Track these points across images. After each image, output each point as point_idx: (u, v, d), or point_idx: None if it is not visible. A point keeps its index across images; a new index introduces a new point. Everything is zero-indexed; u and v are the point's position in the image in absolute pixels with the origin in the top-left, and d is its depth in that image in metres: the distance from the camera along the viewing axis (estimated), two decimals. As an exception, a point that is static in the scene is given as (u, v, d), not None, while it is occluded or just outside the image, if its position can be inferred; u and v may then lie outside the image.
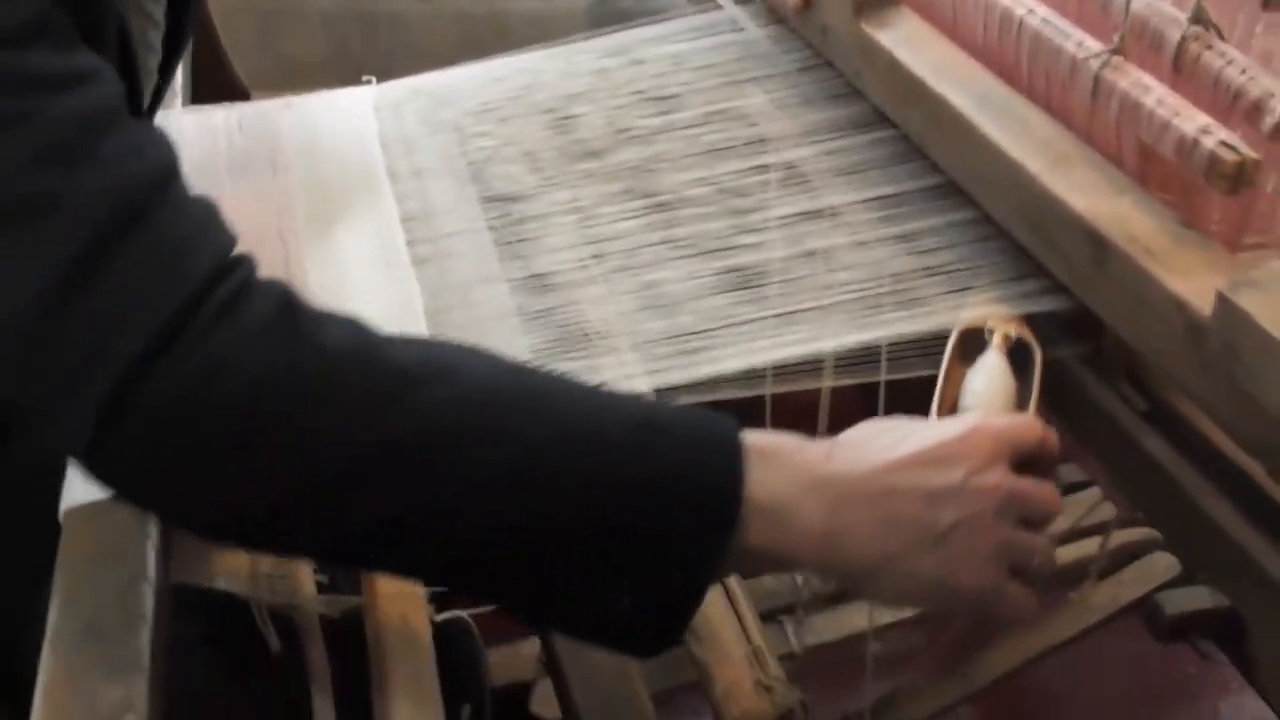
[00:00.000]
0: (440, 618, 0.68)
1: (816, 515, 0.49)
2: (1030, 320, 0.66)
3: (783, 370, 0.66)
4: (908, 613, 1.15)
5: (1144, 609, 1.14)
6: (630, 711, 0.75)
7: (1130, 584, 1.15)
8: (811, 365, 0.66)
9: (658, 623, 0.49)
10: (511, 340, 0.67)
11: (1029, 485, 0.52)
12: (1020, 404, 0.62)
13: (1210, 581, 0.77)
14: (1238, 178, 0.53)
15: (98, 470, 0.49)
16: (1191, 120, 0.54)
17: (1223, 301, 0.51)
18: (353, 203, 0.80)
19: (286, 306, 0.48)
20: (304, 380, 0.46)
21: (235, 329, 0.46)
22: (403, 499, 0.47)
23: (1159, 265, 0.56)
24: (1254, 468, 0.59)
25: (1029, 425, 0.55)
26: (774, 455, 0.50)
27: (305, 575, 0.66)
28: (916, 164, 0.77)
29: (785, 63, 0.87)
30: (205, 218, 0.50)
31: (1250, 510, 0.59)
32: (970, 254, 0.70)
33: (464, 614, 0.67)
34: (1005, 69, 0.70)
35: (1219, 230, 0.59)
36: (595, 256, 0.73)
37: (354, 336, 0.49)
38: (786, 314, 0.67)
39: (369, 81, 0.91)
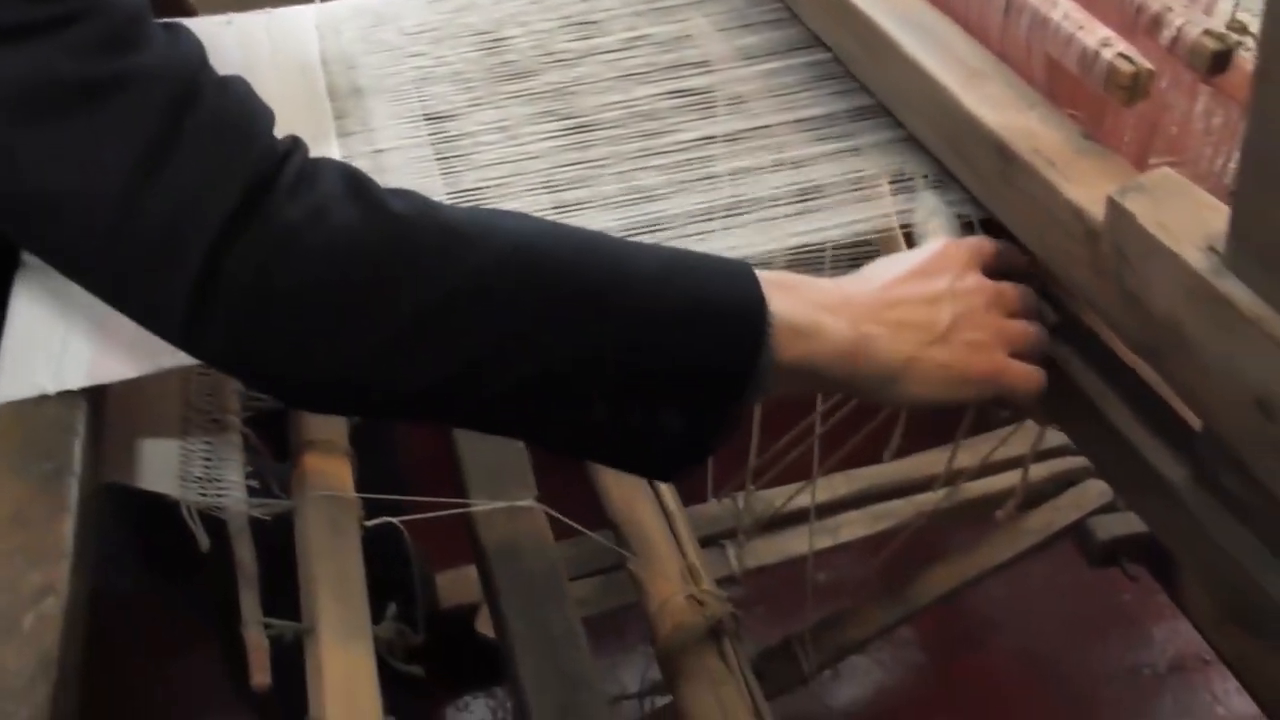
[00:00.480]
0: (370, 523, 0.70)
1: (841, 331, 0.55)
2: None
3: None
4: (846, 537, 1.19)
5: (1076, 533, 1.18)
6: (563, 634, 0.77)
7: (1064, 509, 1.19)
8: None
9: (703, 438, 0.54)
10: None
11: (1005, 285, 0.61)
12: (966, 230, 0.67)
13: (1114, 488, 0.78)
14: (1133, 89, 0.54)
15: (194, 345, 0.51)
16: (1094, 34, 0.56)
17: (1112, 205, 0.53)
18: (293, 119, 0.80)
19: (352, 177, 0.51)
20: (379, 241, 0.50)
21: (312, 198, 0.49)
22: (474, 341, 0.51)
23: (1060, 175, 0.58)
24: (1152, 375, 0.61)
25: (985, 240, 0.63)
26: (791, 284, 0.56)
27: (236, 479, 0.67)
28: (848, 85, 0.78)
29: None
30: (249, 94, 0.53)
31: (1148, 417, 0.61)
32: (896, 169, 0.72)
33: (395, 520, 0.69)
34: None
35: (1127, 147, 0.60)
36: (524, 174, 0.74)
37: (413, 201, 0.52)
38: (726, 217, 0.69)
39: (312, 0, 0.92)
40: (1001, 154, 0.61)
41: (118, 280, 0.50)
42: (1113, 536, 1.15)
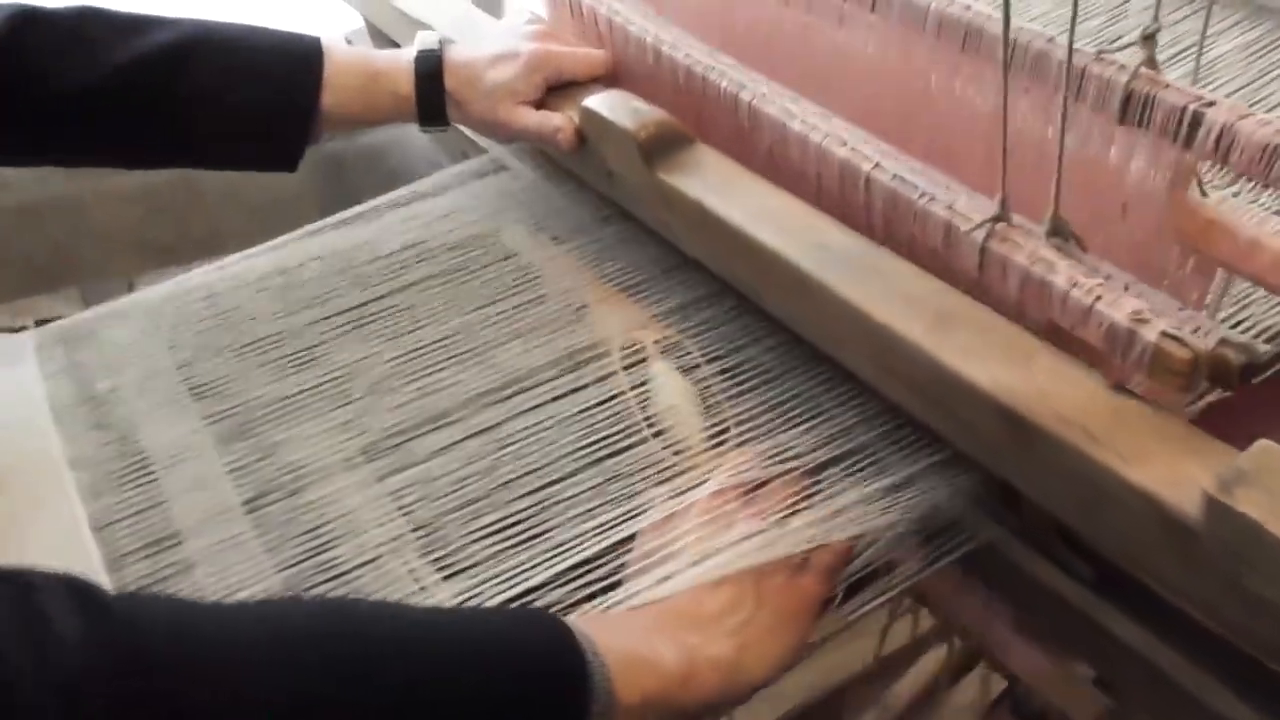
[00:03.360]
0: None
1: (670, 653, 0.50)
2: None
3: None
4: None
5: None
6: None
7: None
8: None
9: None
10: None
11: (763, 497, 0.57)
12: (703, 398, 0.62)
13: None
14: (1191, 375, 0.43)
15: None
16: (1118, 306, 0.45)
17: (1215, 506, 0.41)
18: (20, 520, 0.60)
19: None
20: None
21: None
22: None
23: (1108, 451, 0.45)
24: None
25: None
26: (610, 621, 0.52)
27: None
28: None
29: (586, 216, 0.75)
30: None
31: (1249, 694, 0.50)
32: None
33: None
34: (845, 211, 0.59)
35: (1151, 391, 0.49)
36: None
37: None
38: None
39: (23, 328, 0.71)
40: (1009, 420, 0.49)
41: None
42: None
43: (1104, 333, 0.45)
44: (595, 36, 0.76)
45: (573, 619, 0.50)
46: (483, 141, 0.82)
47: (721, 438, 0.60)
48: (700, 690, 0.51)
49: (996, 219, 0.49)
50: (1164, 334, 0.43)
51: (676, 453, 0.59)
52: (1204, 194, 0.46)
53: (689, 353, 0.64)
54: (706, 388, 0.62)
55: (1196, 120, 0.47)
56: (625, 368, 0.64)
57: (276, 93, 0.71)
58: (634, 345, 0.65)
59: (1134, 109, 0.49)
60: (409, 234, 0.76)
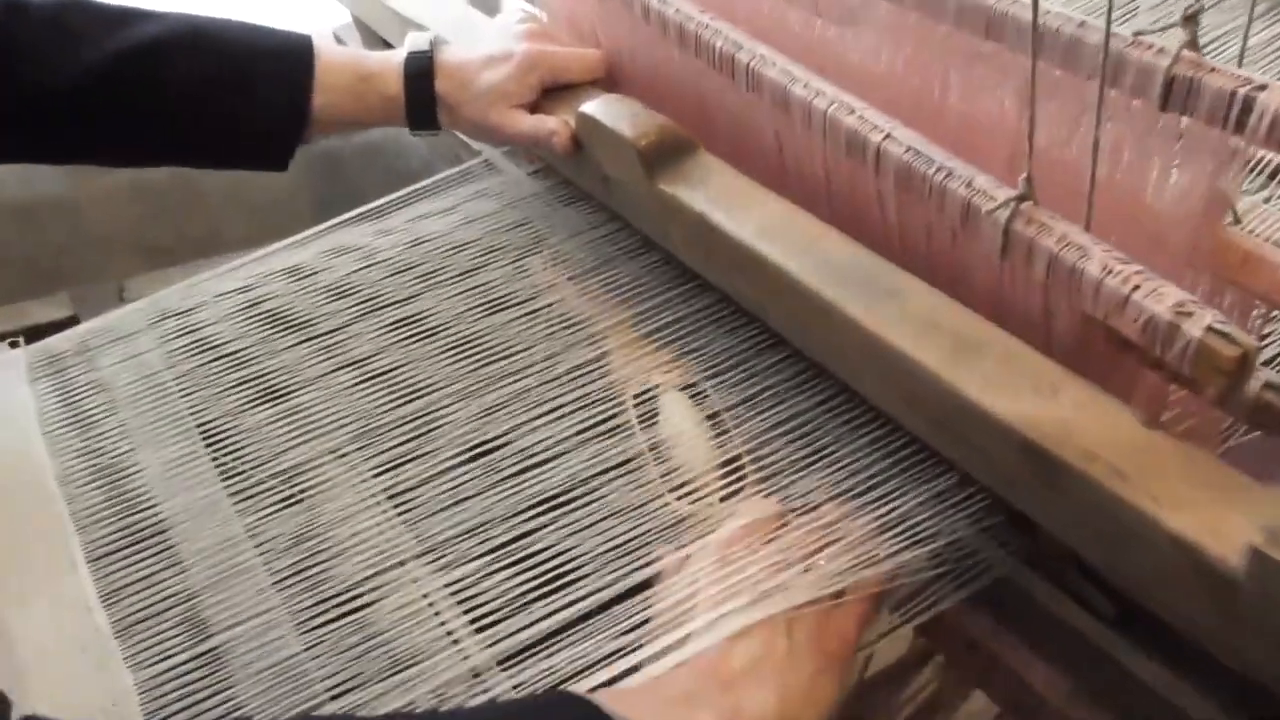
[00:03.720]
0: None
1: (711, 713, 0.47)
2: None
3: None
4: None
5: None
6: None
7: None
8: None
9: None
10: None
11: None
12: (715, 428, 0.59)
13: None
14: (1239, 374, 0.40)
15: None
16: (1160, 296, 0.41)
17: (1263, 560, 0.38)
18: (11, 544, 0.57)
19: None
20: None
21: None
22: None
23: (1139, 493, 0.43)
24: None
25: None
26: (638, 691, 0.49)
27: None
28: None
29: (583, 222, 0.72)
30: None
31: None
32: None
33: None
34: (858, 218, 0.56)
35: (1180, 421, 0.46)
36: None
37: None
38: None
39: (14, 338, 0.68)
40: (1033, 456, 0.46)
41: None
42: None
43: (1142, 325, 0.42)
44: (591, 31, 0.73)
45: (606, 701, 0.47)
46: (476, 144, 0.79)
47: (736, 472, 0.57)
48: None
49: (1021, 198, 0.45)
50: (1210, 329, 0.40)
51: (688, 485, 0.56)
52: (1237, 220, 0.43)
53: (698, 380, 0.61)
54: (716, 416, 0.60)
55: (1248, 105, 0.43)
56: (637, 402, 0.60)
57: (267, 92, 0.69)
58: (649, 380, 0.62)
59: (1178, 95, 0.45)
60: (403, 244, 0.73)
